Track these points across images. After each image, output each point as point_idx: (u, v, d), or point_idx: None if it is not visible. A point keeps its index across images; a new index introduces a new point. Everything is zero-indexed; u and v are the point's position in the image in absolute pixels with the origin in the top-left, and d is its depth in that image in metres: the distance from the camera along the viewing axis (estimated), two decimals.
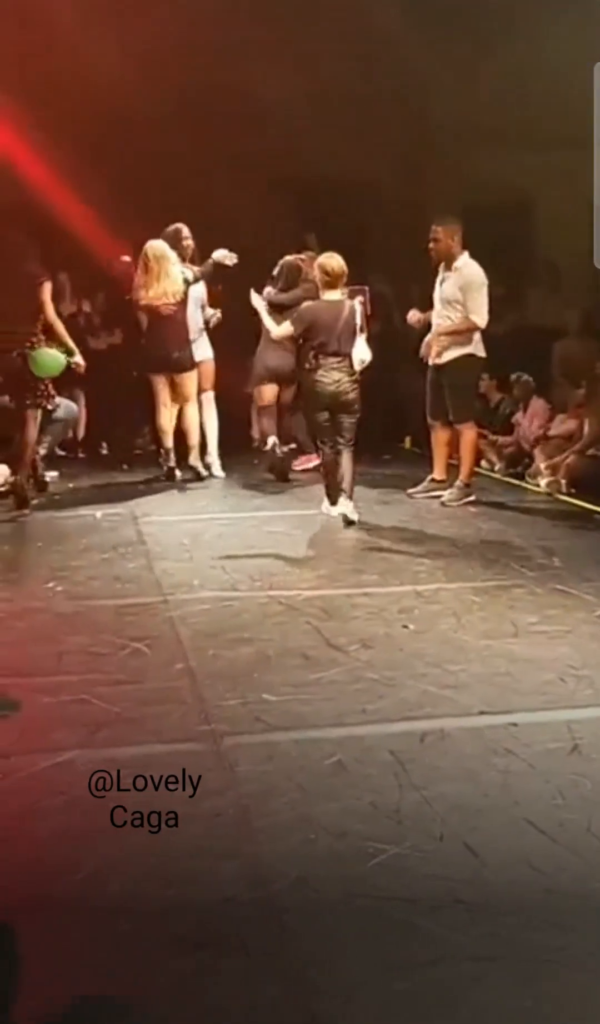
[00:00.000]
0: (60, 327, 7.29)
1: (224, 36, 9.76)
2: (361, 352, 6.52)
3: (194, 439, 8.19)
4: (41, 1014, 2.13)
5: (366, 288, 7.17)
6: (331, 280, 6.56)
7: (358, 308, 6.59)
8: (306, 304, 6.79)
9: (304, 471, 8.23)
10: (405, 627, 4.50)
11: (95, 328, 9.79)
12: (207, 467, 8.32)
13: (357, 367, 6.54)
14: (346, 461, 6.66)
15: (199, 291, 8.17)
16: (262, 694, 3.74)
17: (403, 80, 10.69)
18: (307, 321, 6.59)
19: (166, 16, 9.42)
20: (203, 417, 8.32)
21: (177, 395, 8.10)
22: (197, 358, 8.17)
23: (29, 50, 9.28)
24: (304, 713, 3.60)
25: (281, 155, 10.42)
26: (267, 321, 7.25)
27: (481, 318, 7.14)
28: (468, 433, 7.44)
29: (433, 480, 7.60)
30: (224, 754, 3.28)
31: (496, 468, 8.48)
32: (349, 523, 6.49)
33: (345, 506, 6.58)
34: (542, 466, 7.90)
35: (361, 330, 6.56)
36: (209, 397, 8.41)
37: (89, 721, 3.50)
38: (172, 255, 7.86)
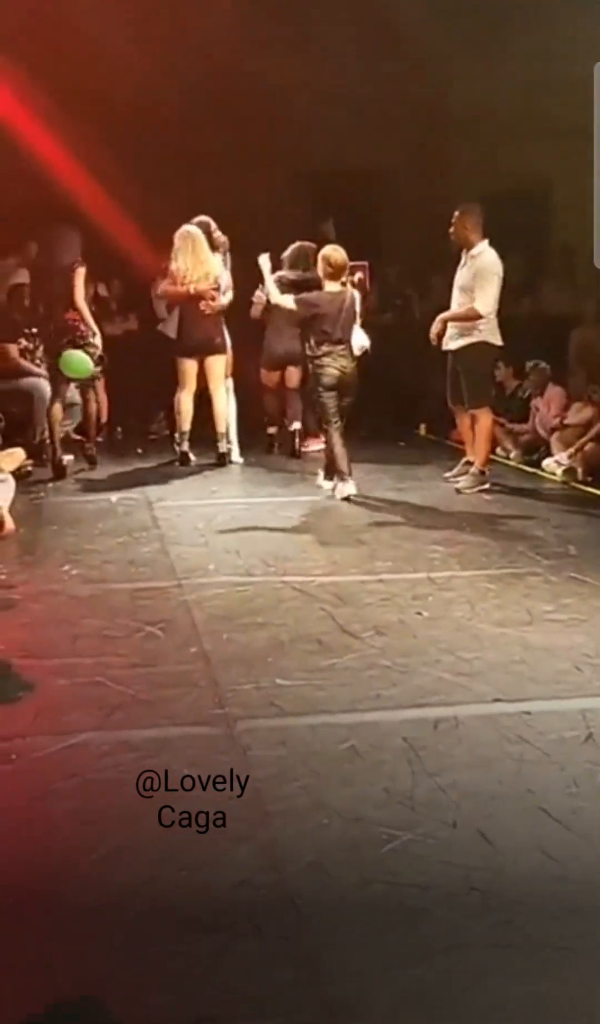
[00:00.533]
0: (87, 312, 7.66)
1: (243, 28, 9.71)
2: (360, 339, 6.92)
3: (223, 425, 8.17)
4: (53, 993, 2.13)
5: (366, 264, 7.59)
6: (334, 272, 6.86)
7: (357, 297, 6.95)
8: (314, 293, 6.99)
9: (309, 452, 8.38)
10: (419, 614, 4.49)
11: (111, 314, 9.80)
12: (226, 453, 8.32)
13: (357, 352, 6.91)
14: (342, 439, 7.07)
15: (226, 277, 8.16)
16: (276, 679, 3.74)
17: (422, 70, 10.63)
18: (312, 308, 6.86)
19: (187, 9, 9.39)
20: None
21: (206, 379, 8.06)
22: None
23: (55, 46, 9.25)
24: (318, 698, 3.60)
25: (300, 146, 10.39)
26: (270, 285, 7.38)
27: (484, 307, 7.11)
28: (483, 419, 7.43)
29: (467, 463, 7.60)
30: (237, 738, 3.28)
31: (512, 456, 8.44)
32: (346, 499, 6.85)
33: (350, 484, 6.92)
34: (559, 454, 7.87)
35: (358, 316, 6.94)
36: (228, 384, 8.38)
37: (104, 703, 3.51)
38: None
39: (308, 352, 7.12)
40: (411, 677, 3.78)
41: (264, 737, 3.28)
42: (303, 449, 8.49)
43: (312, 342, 6.98)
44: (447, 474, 7.65)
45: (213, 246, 7.97)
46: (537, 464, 8.13)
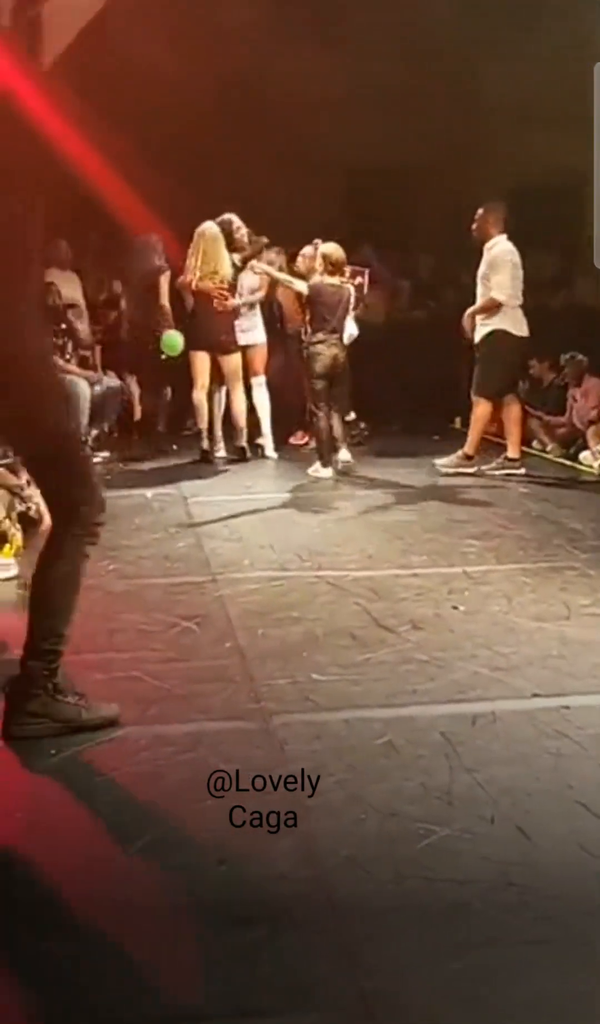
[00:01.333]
0: (169, 311, 8.47)
1: (274, 25, 9.68)
2: (350, 329, 7.61)
3: (241, 421, 8.19)
4: (91, 986, 2.15)
5: (366, 270, 8.22)
6: (333, 268, 7.44)
7: (353, 292, 7.57)
8: (319, 282, 7.44)
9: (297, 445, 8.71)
10: (455, 608, 4.48)
11: None
12: (260, 448, 8.34)
13: (346, 341, 7.53)
14: (338, 423, 7.72)
15: (252, 279, 8.16)
16: (311, 673, 3.74)
17: (454, 64, 10.56)
18: (319, 296, 7.40)
19: (218, 6, 9.39)
20: (255, 400, 8.32)
21: (220, 376, 8.11)
22: (249, 341, 8.16)
23: (85, 44, 9.27)
24: (353, 693, 3.59)
25: (330, 141, 10.36)
26: (279, 274, 7.96)
27: (501, 294, 7.35)
28: (481, 408, 7.63)
29: (507, 459, 7.67)
30: (273, 732, 3.28)
31: (549, 448, 8.39)
32: (345, 465, 7.58)
33: (343, 454, 7.66)
34: (596, 446, 7.82)
35: (353, 308, 7.65)
36: (260, 381, 8.39)
37: (140, 698, 3.53)
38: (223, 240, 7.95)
39: (303, 338, 7.61)
40: (447, 672, 3.77)
41: (300, 732, 3.28)
42: (293, 442, 8.76)
43: (309, 329, 7.48)
44: (484, 467, 7.64)
45: (234, 245, 7.96)
46: (574, 457, 8.08)
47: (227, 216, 8.08)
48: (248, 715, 3.41)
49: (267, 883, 2.48)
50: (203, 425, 8.23)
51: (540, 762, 3.08)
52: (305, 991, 2.13)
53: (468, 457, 7.53)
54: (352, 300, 7.56)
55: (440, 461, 7.63)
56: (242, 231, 8.10)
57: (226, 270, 7.89)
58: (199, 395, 8.21)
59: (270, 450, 8.38)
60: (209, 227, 7.95)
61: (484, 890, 2.44)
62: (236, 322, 8.11)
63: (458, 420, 9.75)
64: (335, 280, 7.44)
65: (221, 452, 8.30)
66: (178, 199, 8.98)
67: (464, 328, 7.66)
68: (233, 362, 8.12)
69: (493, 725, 3.33)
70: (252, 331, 8.28)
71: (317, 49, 9.74)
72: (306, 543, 5.59)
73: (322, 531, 5.90)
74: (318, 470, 7.47)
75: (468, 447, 7.55)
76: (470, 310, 7.55)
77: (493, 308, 7.37)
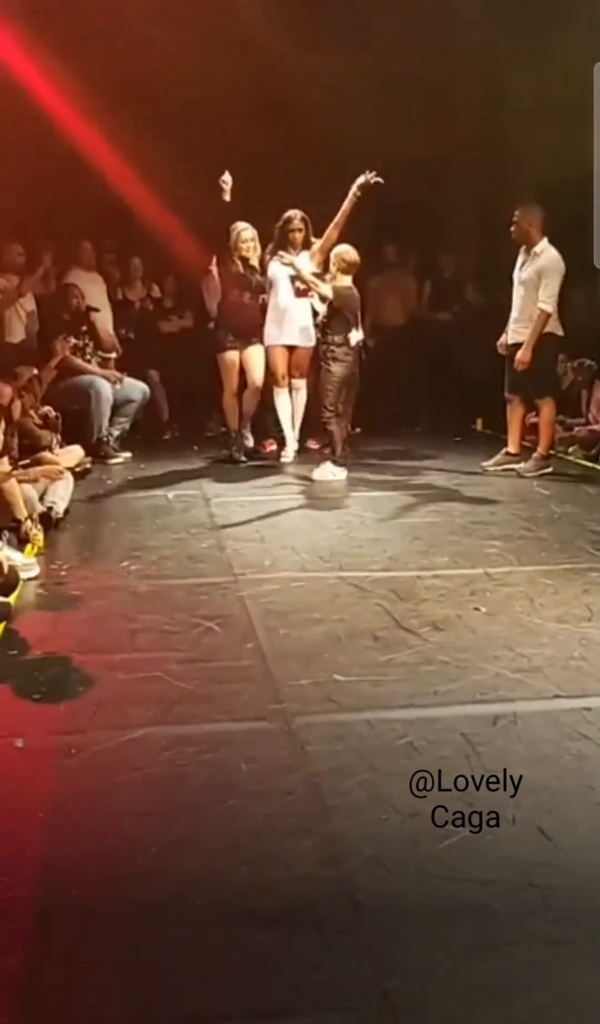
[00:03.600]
0: None
1: (299, 23, 9.68)
2: (358, 334, 7.50)
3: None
4: (113, 985, 2.16)
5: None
6: (347, 267, 7.37)
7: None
8: (343, 285, 7.38)
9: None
10: (477, 609, 4.47)
11: (166, 312, 9.87)
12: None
13: (353, 344, 7.42)
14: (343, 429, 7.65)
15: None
16: (333, 674, 3.75)
17: (479, 59, 10.52)
18: (341, 300, 7.33)
19: (242, 4, 9.40)
20: (295, 403, 8.29)
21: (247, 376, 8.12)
22: (297, 341, 8.07)
23: (110, 44, 9.30)
24: (375, 694, 3.59)
25: (355, 139, 10.32)
26: (309, 278, 7.63)
27: (550, 306, 7.34)
28: (546, 409, 7.61)
29: (507, 453, 7.76)
30: (295, 733, 3.29)
31: (570, 450, 8.36)
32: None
33: (342, 469, 7.52)
34: None
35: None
36: (302, 383, 8.32)
37: (162, 698, 3.54)
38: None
39: (324, 342, 7.48)
40: (469, 673, 3.76)
41: (322, 732, 3.29)
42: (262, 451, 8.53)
43: (329, 332, 7.38)
44: (485, 463, 7.77)
45: (290, 243, 7.90)
46: (596, 459, 8.05)
47: (287, 214, 8.01)
48: (270, 716, 3.42)
49: (290, 883, 2.49)
50: (233, 425, 8.24)
51: (562, 763, 3.07)
52: (327, 991, 2.13)
53: (544, 458, 7.59)
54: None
55: (521, 468, 7.59)
56: (298, 230, 7.92)
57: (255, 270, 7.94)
58: (228, 399, 8.20)
59: (292, 452, 8.35)
60: (241, 227, 7.95)
61: (506, 890, 2.44)
62: (292, 320, 8.01)
63: (479, 422, 9.75)
64: (348, 280, 7.42)
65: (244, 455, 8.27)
66: (198, 200, 9.00)
67: (502, 344, 7.67)
68: (257, 365, 8.12)
69: (515, 726, 3.32)
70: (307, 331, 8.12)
71: (341, 48, 9.73)
72: (328, 544, 5.60)
73: (344, 532, 5.90)
74: (335, 472, 7.43)
75: (542, 448, 7.61)
76: (528, 342, 7.37)
77: (544, 322, 7.35)
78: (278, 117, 10.03)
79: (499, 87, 10.81)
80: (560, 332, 7.48)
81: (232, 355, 8.14)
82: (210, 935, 2.32)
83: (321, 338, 7.57)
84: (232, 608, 4.53)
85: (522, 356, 7.41)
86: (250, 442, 8.46)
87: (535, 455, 7.59)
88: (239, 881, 2.50)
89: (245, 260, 8.05)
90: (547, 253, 7.37)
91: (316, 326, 7.75)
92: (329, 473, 7.43)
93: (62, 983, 2.16)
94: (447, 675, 3.74)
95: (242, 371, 8.18)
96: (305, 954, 2.24)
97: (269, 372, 8.18)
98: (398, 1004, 2.09)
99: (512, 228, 7.50)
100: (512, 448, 7.78)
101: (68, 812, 2.86)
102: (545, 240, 7.40)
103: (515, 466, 7.64)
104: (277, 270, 7.97)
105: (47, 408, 7.25)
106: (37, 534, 5.48)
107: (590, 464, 8.01)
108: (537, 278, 7.34)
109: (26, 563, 5.02)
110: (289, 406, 8.25)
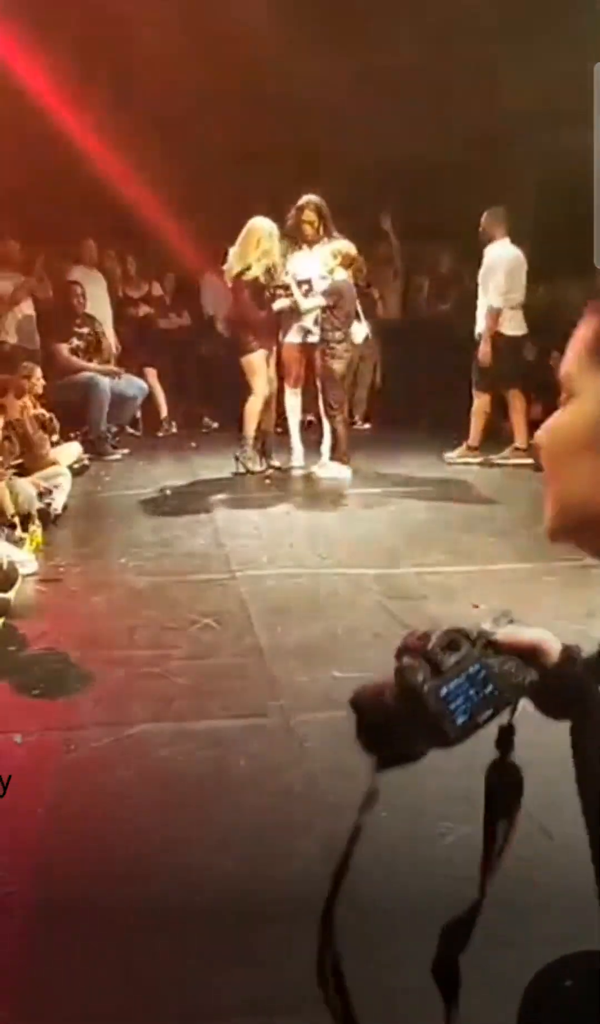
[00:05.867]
0: None
1: (299, 23, 9.66)
2: (364, 329, 7.49)
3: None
4: (116, 981, 2.15)
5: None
6: (346, 262, 7.38)
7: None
8: (344, 279, 7.35)
9: None
10: (475, 606, 4.45)
11: (164, 309, 9.85)
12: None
13: (358, 340, 7.49)
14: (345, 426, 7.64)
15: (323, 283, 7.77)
16: (332, 671, 3.73)
17: (478, 57, 10.49)
18: (341, 294, 7.32)
19: (243, 4, 9.38)
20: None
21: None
22: (307, 340, 7.71)
23: (110, 43, 9.29)
24: None
25: (356, 139, 10.31)
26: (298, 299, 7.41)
27: (498, 302, 7.64)
28: (515, 401, 7.83)
29: (468, 447, 7.99)
30: (294, 730, 3.28)
31: None
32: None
33: (347, 468, 7.41)
34: None
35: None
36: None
37: (161, 695, 3.53)
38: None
39: (325, 340, 7.40)
40: None
41: (320, 729, 3.27)
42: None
43: (331, 327, 7.34)
44: (447, 454, 7.93)
45: (302, 235, 7.48)
46: None
47: (301, 201, 7.54)
48: (269, 712, 3.41)
49: (287, 881, 2.47)
50: (251, 432, 7.44)
51: (564, 762, 3.04)
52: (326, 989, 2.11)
53: (520, 450, 7.64)
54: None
55: (495, 457, 7.78)
56: (312, 222, 7.44)
57: (274, 266, 7.38)
58: (256, 403, 7.45)
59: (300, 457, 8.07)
60: (257, 221, 7.56)
61: (506, 889, 2.41)
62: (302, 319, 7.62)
63: None
64: (347, 275, 7.44)
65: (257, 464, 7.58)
66: (197, 198, 9.00)
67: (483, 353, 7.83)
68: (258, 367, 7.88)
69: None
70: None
71: (341, 48, 9.71)
72: (326, 541, 5.58)
73: (342, 529, 5.88)
74: (339, 470, 7.39)
75: (520, 441, 7.70)
76: (484, 336, 7.70)
77: (496, 318, 7.62)
78: (278, 116, 10.02)
79: (499, 86, 10.78)
80: (519, 332, 7.70)
81: (260, 355, 7.47)
82: (206, 933, 2.30)
83: (321, 335, 7.48)
84: (230, 605, 4.52)
85: (481, 351, 7.71)
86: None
87: (513, 446, 7.73)
88: (237, 878, 2.49)
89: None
90: (491, 252, 7.68)
91: (316, 323, 7.65)
92: (333, 471, 7.39)
93: (55, 981, 2.15)
94: None
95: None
96: (304, 951, 2.22)
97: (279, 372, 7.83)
98: (397, 1001, 2.07)
99: (480, 229, 7.80)
100: (472, 441, 7.96)
101: (66, 808, 2.85)
102: (502, 240, 7.66)
103: (472, 459, 7.81)
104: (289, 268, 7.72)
105: (40, 411, 7.16)
106: (36, 531, 5.45)
107: None
108: (487, 275, 7.64)
109: (26, 559, 5.00)
110: (299, 407, 7.99)
